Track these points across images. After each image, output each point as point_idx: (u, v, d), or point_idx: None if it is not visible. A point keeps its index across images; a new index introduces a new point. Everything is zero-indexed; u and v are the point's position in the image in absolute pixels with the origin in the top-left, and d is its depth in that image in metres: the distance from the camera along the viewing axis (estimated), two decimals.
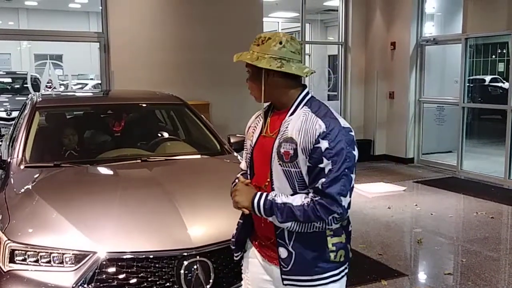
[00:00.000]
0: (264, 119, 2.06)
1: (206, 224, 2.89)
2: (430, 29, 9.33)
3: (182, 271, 2.60)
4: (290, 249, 1.93)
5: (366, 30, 9.58)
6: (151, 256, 2.62)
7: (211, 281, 2.63)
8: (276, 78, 1.95)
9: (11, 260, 2.61)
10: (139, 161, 3.88)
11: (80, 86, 15.64)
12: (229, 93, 7.61)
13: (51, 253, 2.60)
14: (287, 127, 1.93)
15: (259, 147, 2.03)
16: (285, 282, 1.97)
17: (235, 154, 4.15)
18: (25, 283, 2.55)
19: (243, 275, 2.23)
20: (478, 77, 17.46)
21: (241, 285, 2.64)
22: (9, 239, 2.65)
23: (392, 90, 9.34)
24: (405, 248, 5.20)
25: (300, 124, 1.90)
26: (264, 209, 1.89)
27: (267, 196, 1.91)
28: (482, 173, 8.01)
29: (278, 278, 1.99)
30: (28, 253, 2.61)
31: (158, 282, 2.59)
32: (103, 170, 3.80)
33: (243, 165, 2.22)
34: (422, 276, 4.47)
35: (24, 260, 2.61)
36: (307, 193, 1.88)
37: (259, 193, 1.93)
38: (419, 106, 9.16)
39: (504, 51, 21.39)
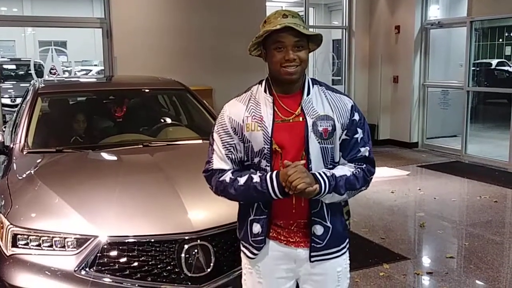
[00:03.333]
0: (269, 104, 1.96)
1: (207, 208, 2.89)
2: (435, 12, 9.23)
3: (183, 255, 2.61)
4: (328, 224, 1.98)
5: (370, 14, 9.50)
6: (152, 240, 2.64)
7: (211, 264, 2.65)
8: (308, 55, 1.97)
9: (14, 245, 2.64)
10: (141, 146, 3.89)
11: (84, 72, 15.66)
12: (232, 79, 7.57)
13: (53, 237, 2.62)
14: (313, 106, 1.95)
15: (282, 133, 1.93)
16: (313, 259, 1.99)
17: None
18: (27, 267, 2.59)
19: (247, 278, 2.12)
20: (484, 60, 17.36)
21: (241, 269, 2.68)
22: (11, 224, 2.68)
23: (396, 74, 9.29)
24: (408, 232, 5.21)
25: (327, 102, 1.98)
26: (330, 186, 1.88)
27: (325, 173, 1.90)
28: (486, 157, 7.99)
29: (305, 259, 2.00)
30: (30, 237, 2.64)
31: (159, 266, 2.61)
32: (105, 155, 3.81)
33: (221, 164, 1.98)
34: (424, 260, 4.48)
35: (27, 244, 2.63)
36: (337, 166, 1.98)
37: (317, 173, 1.88)
38: (424, 90, 9.10)
39: (511, 35, 21.22)
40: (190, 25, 7.77)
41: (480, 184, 6.72)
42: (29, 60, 9.86)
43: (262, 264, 2.04)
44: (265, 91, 1.99)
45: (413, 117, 9.12)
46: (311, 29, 2.02)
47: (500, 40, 22.50)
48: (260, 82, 2.04)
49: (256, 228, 2.00)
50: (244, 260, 2.12)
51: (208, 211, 2.88)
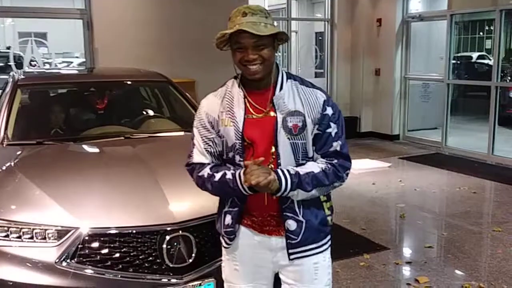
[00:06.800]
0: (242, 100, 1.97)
1: (188, 200, 2.90)
2: (416, 6, 9.32)
3: (164, 246, 2.62)
4: (301, 218, 1.98)
5: (352, 7, 9.55)
6: (134, 231, 2.64)
7: (193, 255, 2.66)
8: (274, 51, 1.95)
9: None
10: (123, 138, 3.87)
11: (65, 64, 15.46)
12: (214, 71, 7.51)
13: (33, 229, 2.61)
14: (284, 102, 1.95)
15: (253, 128, 1.95)
16: (292, 256, 2.01)
17: None
18: (8, 259, 2.57)
19: (225, 264, 2.17)
20: (465, 54, 17.51)
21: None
22: None
23: (378, 67, 9.37)
24: (388, 223, 5.29)
25: (299, 97, 1.96)
26: (292, 183, 1.87)
27: (288, 170, 1.89)
28: (466, 149, 8.11)
29: (279, 248, 2.02)
30: (11, 229, 2.62)
31: (140, 257, 2.61)
32: (86, 147, 3.79)
33: (201, 158, 2.02)
34: (404, 250, 4.56)
35: (7, 236, 2.61)
36: (312, 161, 1.97)
37: (280, 170, 1.88)
38: (405, 83, 9.20)
39: (492, 28, 21.46)
40: (173, 17, 7.72)
41: (459, 176, 6.83)
42: (8, 52, 9.72)
43: (238, 252, 2.09)
44: (238, 86, 2.01)
45: (395, 110, 9.21)
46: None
47: (481, 33, 22.72)
48: (236, 77, 2.05)
49: (228, 219, 2.05)
50: (222, 248, 2.17)
51: (189, 202, 2.89)
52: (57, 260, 2.53)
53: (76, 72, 6.64)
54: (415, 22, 9.01)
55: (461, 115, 10.91)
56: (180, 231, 2.67)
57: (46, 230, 2.60)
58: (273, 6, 12.63)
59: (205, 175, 2.00)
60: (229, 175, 1.94)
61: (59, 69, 9.09)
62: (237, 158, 1.97)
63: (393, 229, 5.13)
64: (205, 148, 2.02)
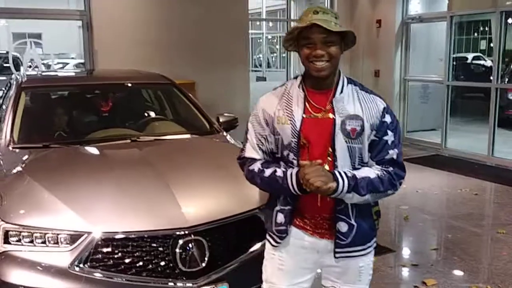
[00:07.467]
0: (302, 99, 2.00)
1: (200, 203, 2.90)
2: (415, 7, 9.33)
3: (177, 250, 2.61)
4: (353, 222, 2.01)
5: (352, 8, 9.56)
6: (146, 236, 2.62)
7: (206, 259, 2.64)
8: (340, 52, 1.98)
9: (6, 241, 2.60)
10: (129, 141, 3.85)
11: (61, 65, 15.39)
12: (215, 72, 7.56)
13: (45, 233, 2.59)
14: (343, 105, 1.97)
15: (310, 128, 1.96)
16: (338, 255, 2.04)
17: (224, 133, 4.16)
18: (19, 263, 2.55)
19: (268, 263, 2.18)
20: (460, 55, 17.57)
21: (235, 264, 2.71)
22: (3, 220, 2.64)
23: (377, 68, 9.37)
24: (392, 225, 5.29)
25: (359, 102, 1.99)
26: (349, 186, 1.89)
27: (345, 173, 1.91)
28: (465, 151, 8.11)
29: (328, 250, 2.05)
30: (23, 234, 2.60)
31: (153, 261, 2.60)
32: (93, 150, 3.76)
33: (252, 153, 2.08)
34: (409, 252, 4.56)
35: (19, 240, 2.60)
36: (367, 167, 1.98)
37: (337, 171, 1.90)
38: (404, 84, 9.20)
39: (486, 29, 21.56)
40: (172, 18, 7.70)
41: (460, 177, 6.84)
42: (4, 53, 9.67)
43: (285, 251, 2.11)
44: (298, 86, 2.03)
45: (394, 111, 9.18)
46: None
47: (476, 34, 22.83)
48: (296, 77, 2.08)
49: (280, 217, 2.07)
50: (267, 245, 2.18)
51: (201, 206, 2.88)
52: (70, 265, 2.52)
53: (80, 74, 6.58)
54: (415, 23, 9.03)
55: (459, 116, 10.93)
56: (193, 235, 2.65)
57: (58, 234, 2.58)
58: (271, 7, 12.62)
59: (256, 170, 2.04)
60: (279, 173, 1.97)
61: (55, 70, 9.05)
62: (291, 156, 1.99)
63: (397, 231, 5.14)
64: (257, 144, 2.06)
